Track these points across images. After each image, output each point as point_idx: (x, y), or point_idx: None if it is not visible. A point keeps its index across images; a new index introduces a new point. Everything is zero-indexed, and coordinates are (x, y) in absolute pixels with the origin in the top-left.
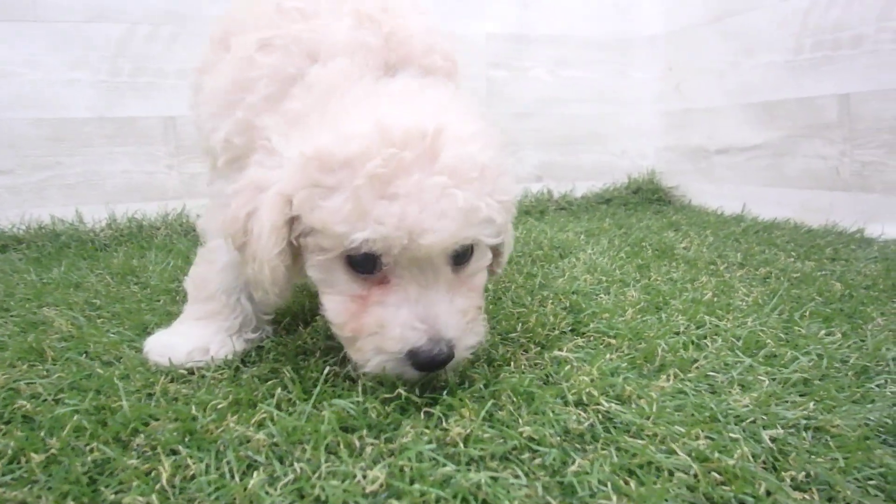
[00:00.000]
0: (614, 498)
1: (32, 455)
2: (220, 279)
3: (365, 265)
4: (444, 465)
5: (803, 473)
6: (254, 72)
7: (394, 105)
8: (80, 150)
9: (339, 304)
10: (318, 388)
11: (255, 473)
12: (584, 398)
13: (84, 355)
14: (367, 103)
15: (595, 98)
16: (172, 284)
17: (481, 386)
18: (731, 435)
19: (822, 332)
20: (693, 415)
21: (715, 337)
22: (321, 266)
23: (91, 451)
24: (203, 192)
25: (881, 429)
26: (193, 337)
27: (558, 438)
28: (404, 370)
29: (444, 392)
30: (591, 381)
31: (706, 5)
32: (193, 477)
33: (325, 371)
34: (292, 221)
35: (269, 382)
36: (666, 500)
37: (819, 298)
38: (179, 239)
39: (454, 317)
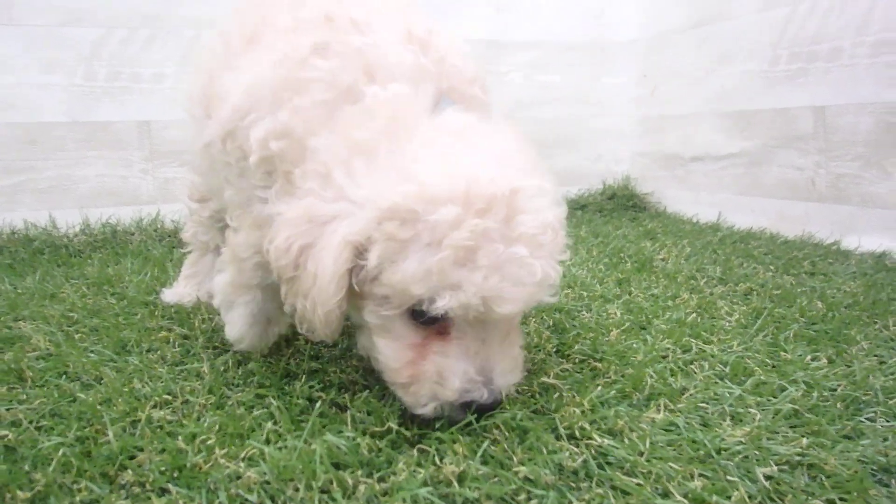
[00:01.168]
0: None
1: (18, 492)
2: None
3: (429, 318)
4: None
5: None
6: (307, 73)
7: (466, 153)
8: (54, 154)
9: (396, 350)
10: (310, 421)
11: None
12: (577, 432)
13: (63, 376)
14: (442, 148)
15: (570, 103)
16: (150, 297)
17: (472, 418)
18: (729, 478)
19: (808, 356)
20: (687, 450)
21: (702, 363)
22: (381, 314)
23: (79, 490)
24: (178, 198)
25: (874, 466)
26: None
27: (553, 477)
28: (455, 413)
29: (436, 426)
30: (583, 412)
31: (683, 12)
32: None
33: (314, 397)
34: (353, 267)
35: (256, 412)
36: None
37: (802, 319)
38: (154, 245)
39: (508, 366)
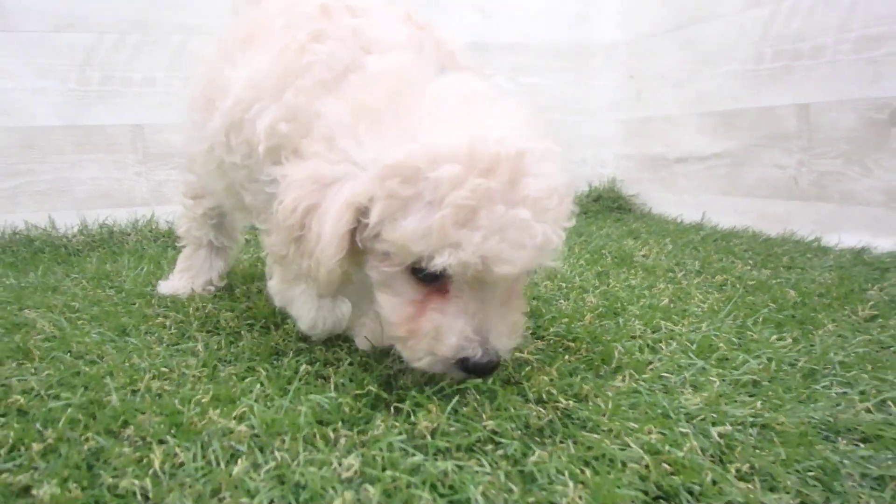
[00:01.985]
0: (571, 485)
1: (32, 444)
2: None
3: (428, 275)
4: (414, 454)
5: (747, 465)
6: (306, 58)
7: (474, 115)
8: (51, 157)
9: (396, 305)
10: (294, 384)
11: (238, 461)
12: (544, 396)
13: (69, 354)
14: (447, 108)
15: (555, 106)
16: (146, 288)
17: (446, 384)
18: (682, 430)
19: (774, 337)
20: (646, 412)
21: (670, 341)
22: (382, 270)
23: (86, 440)
24: (171, 200)
25: (823, 426)
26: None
27: (519, 432)
28: (452, 371)
29: (413, 389)
30: (551, 380)
31: (666, 14)
32: (182, 464)
33: (301, 370)
34: (357, 226)
35: (247, 380)
36: (619, 488)
37: (773, 305)
38: (150, 245)
39: (506, 330)
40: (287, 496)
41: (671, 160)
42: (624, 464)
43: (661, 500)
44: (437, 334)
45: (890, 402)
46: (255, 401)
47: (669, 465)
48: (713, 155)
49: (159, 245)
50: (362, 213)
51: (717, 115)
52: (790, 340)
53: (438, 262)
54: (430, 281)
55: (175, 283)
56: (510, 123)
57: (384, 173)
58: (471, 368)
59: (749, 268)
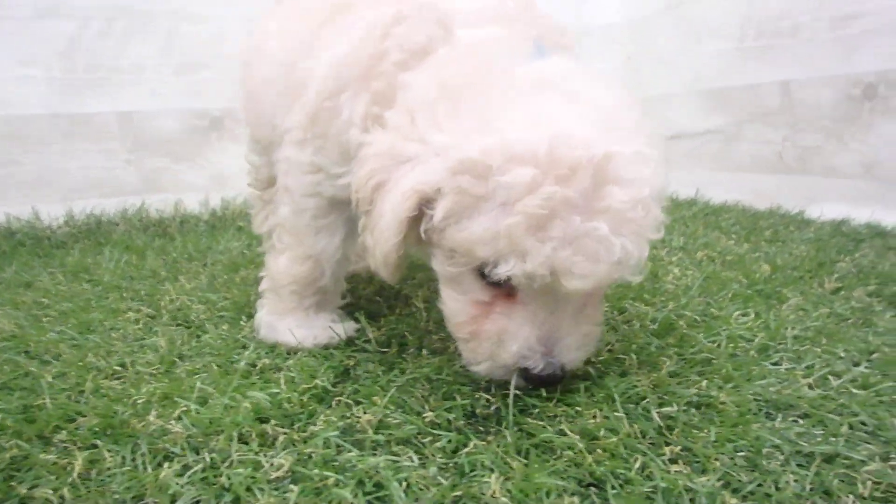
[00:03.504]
0: (493, 477)
1: None
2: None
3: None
4: (350, 451)
5: (681, 448)
6: (387, 42)
7: (561, 106)
8: (36, 147)
9: (460, 304)
10: (235, 381)
11: (168, 464)
12: (494, 385)
13: (24, 354)
14: (532, 96)
15: None
16: (123, 282)
17: (398, 372)
18: (618, 414)
19: (738, 313)
20: (592, 396)
21: (633, 322)
22: (447, 268)
23: (10, 448)
24: (165, 187)
25: (765, 403)
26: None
27: (463, 422)
28: (512, 378)
29: (368, 379)
30: None
31: None
32: (110, 469)
33: (259, 363)
34: (422, 214)
35: (197, 376)
36: (548, 476)
37: (745, 280)
38: (138, 234)
39: (575, 342)
40: (210, 499)
41: (666, 137)
42: (561, 451)
43: (592, 488)
44: (499, 339)
45: (830, 377)
46: (197, 400)
47: (604, 450)
48: (705, 132)
49: (148, 234)
50: (427, 202)
51: (707, 92)
52: (752, 316)
53: (503, 270)
54: (498, 283)
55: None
56: (602, 118)
57: (456, 166)
58: (532, 379)
59: (732, 242)
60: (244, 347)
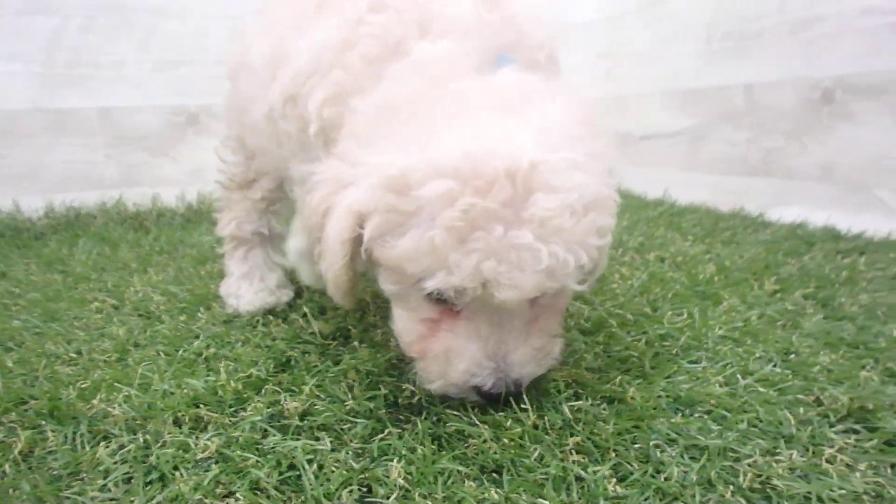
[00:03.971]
0: (395, 459)
1: None
2: None
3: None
4: (274, 435)
5: (583, 439)
6: (361, 29)
7: (492, 122)
8: (20, 141)
9: (407, 322)
10: (174, 368)
11: (105, 444)
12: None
13: None
14: (466, 113)
15: None
16: (94, 273)
17: (332, 363)
18: (522, 406)
19: (671, 313)
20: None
21: (568, 321)
22: (390, 286)
23: None
24: (143, 182)
25: (674, 400)
26: None
27: (384, 410)
28: (467, 395)
29: (295, 370)
30: None
31: None
32: (51, 448)
33: (206, 352)
34: (361, 236)
35: (144, 364)
36: (452, 461)
37: (687, 281)
38: (115, 227)
39: (526, 356)
40: (139, 476)
41: (637, 137)
42: (470, 439)
43: (494, 474)
44: (447, 358)
45: (740, 376)
46: (139, 386)
47: (509, 440)
48: (675, 132)
49: (125, 227)
50: (362, 222)
51: (677, 93)
52: (685, 316)
53: (431, 285)
54: (441, 301)
55: (248, 296)
56: (536, 130)
57: (381, 184)
58: (485, 396)
59: (688, 244)
60: (196, 337)
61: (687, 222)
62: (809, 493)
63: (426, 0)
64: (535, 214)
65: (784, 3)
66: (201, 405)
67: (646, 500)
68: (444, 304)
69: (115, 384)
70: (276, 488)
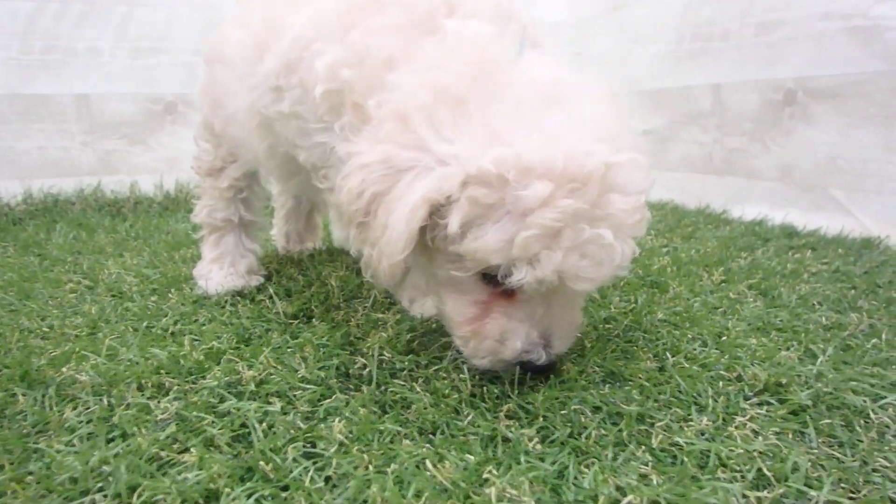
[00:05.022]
0: (337, 421)
1: None
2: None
3: (497, 280)
4: (230, 400)
5: (516, 405)
6: None
7: (563, 117)
8: None
9: (461, 305)
10: (137, 339)
11: (72, 406)
12: (374, 350)
13: None
14: (535, 105)
15: None
16: (70, 256)
17: (290, 337)
18: (461, 376)
19: (618, 299)
20: (458, 365)
21: None
22: (451, 272)
23: None
24: (120, 169)
25: (606, 374)
26: None
27: (335, 380)
28: (511, 370)
29: (255, 343)
30: (389, 339)
31: None
32: (21, 409)
33: (173, 328)
34: (427, 224)
35: (113, 337)
36: (392, 423)
37: (640, 272)
38: (93, 214)
39: (568, 331)
40: (101, 434)
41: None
42: (411, 404)
43: (429, 435)
44: (501, 337)
45: (669, 354)
46: (106, 356)
47: (447, 405)
48: (644, 132)
49: (103, 214)
50: (436, 211)
51: (646, 93)
52: (632, 303)
53: (516, 278)
54: (498, 284)
55: (217, 278)
56: (599, 130)
57: (469, 179)
58: (531, 370)
59: (650, 238)
60: (165, 315)
61: (654, 219)
62: (709, 450)
63: None
64: (611, 214)
65: (748, 6)
66: (164, 373)
67: (564, 456)
68: (496, 287)
69: (84, 353)
70: (227, 444)
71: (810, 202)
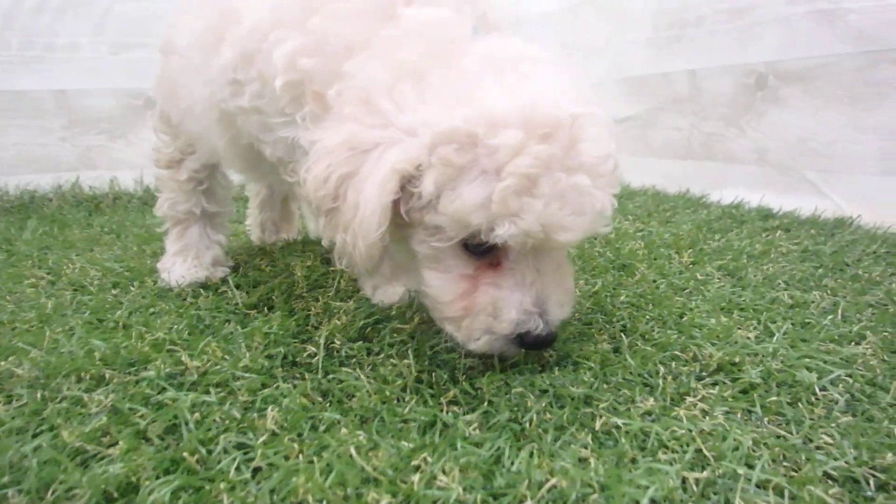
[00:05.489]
0: (271, 410)
1: None
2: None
3: (481, 248)
4: (169, 391)
5: (461, 391)
6: None
7: (522, 77)
8: None
9: (447, 282)
10: (78, 333)
11: (6, 401)
12: (324, 339)
13: None
14: (495, 70)
15: None
16: (38, 252)
17: (240, 327)
18: (405, 362)
19: (582, 282)
20: (406, 346)
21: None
22: (432, 245)
23: None
24: (100, 165)
25: (561, 356)
26: None
27: (280, 369)
28: (509, 348)
29: (205, 334)
30: (343, 325)
31: None
32: None
33: (127, 320)
34: (400, 197)
35: (59, 331)
36: (331, 411)
37: (610, 255)
38: (70, 210)
39: (563, 297)
40: (31, 428)
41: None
42: (356, 391)
43: (369, 422)
44: (494, 310)
45: (624, 334)
46: (47, 349)
47: (391, 393)
48: (627, 118)
49: (82, 209)
50: (408, 181)
51: (628, 80)
52: (599, 286)
53: (500, 234)
54: (482, 254)
55: (180, 270)
56: (559, 86)
57: (437, 139)
58: (531, 343)
59: (628, 224)
60: (120, 308)
61: (634, 204)
62: (649, 430)
63: None
64: (585, 162)
65: None
66: (104, 365)
67: (502, 441)
68: (482, 259)
69: (25, 347)
70: (159, 436)
71: (785, 184)
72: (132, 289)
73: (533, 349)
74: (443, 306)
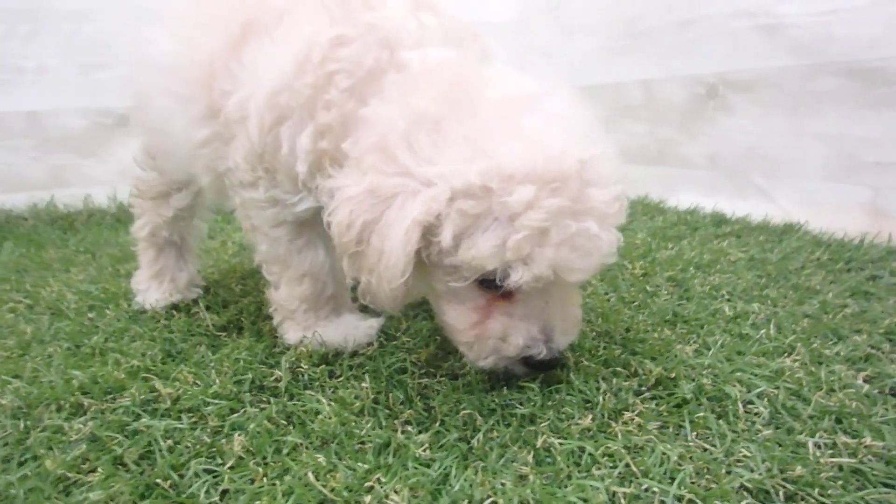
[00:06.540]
0: (238, 435)
1: None
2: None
3: (494, 284)
4: (144, 418)
5: (416, 411)
6: (330, 67)
7: (534, 122)
8: None
9: (462, 313)
10: (56, 361)
11: None
12: (289, 363)
13: None
14: (508, 116)
15: None
16: (14, 274)
17: (211, 352)
18: (363, 385)
19: None
20: (364, 369)
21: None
22: (449, 284)
23: None
24: (73, 183)
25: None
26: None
27: (248, 394)
28: (516, 367)
29: (178, 360)
30: (306, 351)
31: None
32: None
33: (103, 346)
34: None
35: (39, 359)
36: (295, 435)
37: None
38: (45, 228)
39: (568, 326)
40: (15, 455)
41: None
42: (318, 413)
43: (329, 444)
44: (504, 336)
45: (571, 351)
46: (28, 379)
47: (351, 413)
48: None
49: (55, 228)
50: (428, 230)
51: (583, 88)
52: None
53: (514, 279)
54: (495, 289)
55: (155, 294)
56: (571, 128)
57: (456, 193)
58: (534, 365)
59: None
60: (96, 333)
61: None
62: (583, 448)
63: (378, 20)
64: (593, 207)
65: (669, 4)
66: (82, 394)
67: (450, 460)
68: (495, 292)
69: (6, 378)
70: (135, 462)
71: (735, 189)
72: (108, 312)
73: (538, 371)
74: (458, 333)
